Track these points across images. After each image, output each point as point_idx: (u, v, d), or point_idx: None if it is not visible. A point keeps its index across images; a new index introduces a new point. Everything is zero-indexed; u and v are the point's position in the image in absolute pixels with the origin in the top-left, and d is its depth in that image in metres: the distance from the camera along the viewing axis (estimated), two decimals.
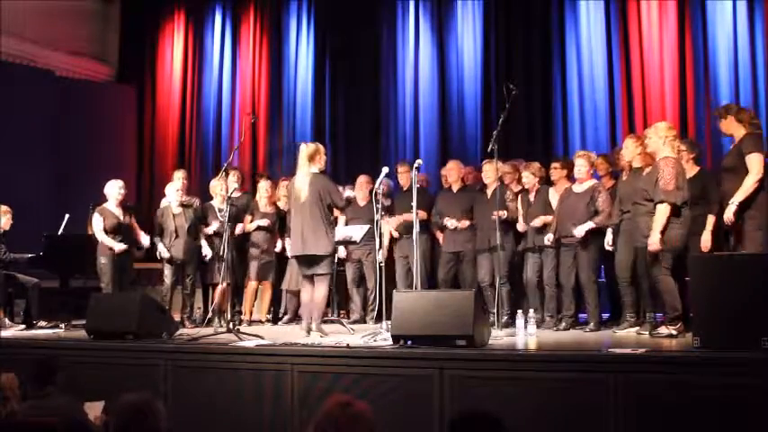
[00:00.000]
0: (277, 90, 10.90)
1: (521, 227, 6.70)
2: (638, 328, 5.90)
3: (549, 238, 6.43)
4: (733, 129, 5.48)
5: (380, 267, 6.38)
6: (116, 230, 7.10)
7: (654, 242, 5.24)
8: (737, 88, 8.30)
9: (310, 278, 6.16)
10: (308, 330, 6.05)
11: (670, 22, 8.71)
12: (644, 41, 8.84)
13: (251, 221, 7.51)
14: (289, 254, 7.08)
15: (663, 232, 5.25)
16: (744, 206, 5.25)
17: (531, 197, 6.80)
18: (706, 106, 8.44)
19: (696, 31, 8.59)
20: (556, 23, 9.36)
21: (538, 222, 6.57)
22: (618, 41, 8.99)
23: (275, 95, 10.91)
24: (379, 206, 6.36)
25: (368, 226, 7.04)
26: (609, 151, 7.67)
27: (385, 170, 6.49)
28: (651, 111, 8.69)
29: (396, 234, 7.55)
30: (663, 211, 5.25)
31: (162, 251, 7.21)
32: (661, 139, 5.41)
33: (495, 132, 6.11)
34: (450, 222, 7.07)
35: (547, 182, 6.88)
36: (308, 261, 6.11)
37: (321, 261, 6.07)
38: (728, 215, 5.23)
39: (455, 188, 7.36)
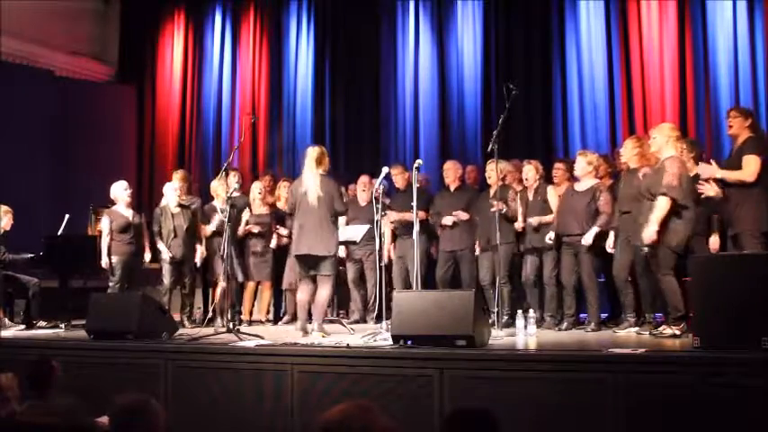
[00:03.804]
0: (277, 90, 10.89)
1: (518, 225, 6.67)
2: (638, 328, 5.90)
3: (550, 237, 6.43)
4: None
5: (381, 268, 6.38)
6: (125, 230, 7.18)
7: (649, 234, 5.26)
8: (737, 88, 8.29)
9: (311, 278, 6.16)
10: (304, 330, 6.05)
11: (670, 22, 8.71)
12: (644, 41, 8.83)
13: (246, 223, 7.52)
14: (291, 253, 7.03)
15: (661, 227, 5.26)
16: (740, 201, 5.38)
17: (530, 195, 6.78)
18: (706, 106, 8.44)
19: (696, 31, 8.58)
20: (556, 23, 9.36)
21: (534, 222, 6.55)
22: (618, 41, 8.98)
23: (275, 95, 10.90)
24: (380, 206, 6.36)
25: (367, 226, 7.04)
26: (609, 151, 7.67)
27: (385, 170, 6.50)
28: (651, 111, 8.68)
29: (390, 227, 7.52)
30: (663, 204, 5.28)
31: (163, 251, 7.25)
32: (665, 139, 5.49)
33: (495, 132, 6.11)
34: (448, 218, 7.06)
35: (547, 180, 6.88)
36: (311, 261, 6.12)
37: (324, 261, 6.08)
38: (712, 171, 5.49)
39: (452, 187, 7.35)
